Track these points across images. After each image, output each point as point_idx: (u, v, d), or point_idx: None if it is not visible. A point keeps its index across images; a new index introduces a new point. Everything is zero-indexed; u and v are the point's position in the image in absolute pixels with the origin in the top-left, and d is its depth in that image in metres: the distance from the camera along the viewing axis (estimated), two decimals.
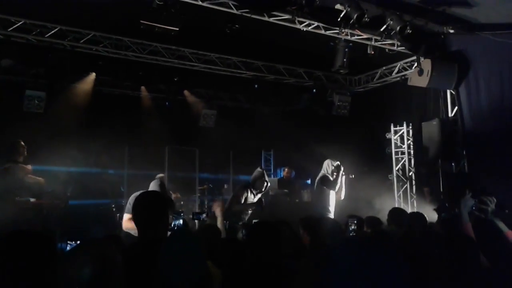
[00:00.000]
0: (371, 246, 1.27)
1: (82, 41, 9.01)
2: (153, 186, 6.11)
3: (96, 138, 9.99)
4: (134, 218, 2.83)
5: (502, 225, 3.30)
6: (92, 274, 1.75)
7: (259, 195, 7.43)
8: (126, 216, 5.67)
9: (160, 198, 2.96)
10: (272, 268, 2.85)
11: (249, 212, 7.35)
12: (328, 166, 7.96)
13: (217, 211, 4.94)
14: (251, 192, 7.24)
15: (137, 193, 6.13)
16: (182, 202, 9.94)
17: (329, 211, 7.71)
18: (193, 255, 2.09)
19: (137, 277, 2.41)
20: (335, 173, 7.88)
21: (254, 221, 5.54)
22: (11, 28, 8.34)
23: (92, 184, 10.00)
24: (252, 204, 7.30)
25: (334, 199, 7.88)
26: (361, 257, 1.20)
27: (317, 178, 8.07)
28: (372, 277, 1.16)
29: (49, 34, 8.68)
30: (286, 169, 11.46)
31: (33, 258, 2.14)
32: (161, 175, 7.37)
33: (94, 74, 10.08)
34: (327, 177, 7.87)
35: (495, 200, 3.47)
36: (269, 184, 7.71)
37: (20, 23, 8.37)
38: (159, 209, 2.81)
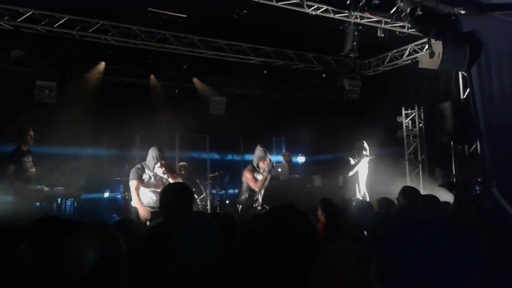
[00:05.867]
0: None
1: (90, 30, 9.02)
2: (152, 151, 6.13)
3: (107, 127, 10.06)
4: (161, 207, 2.89)
5: (506, 205, 3.33)
6: (97, 256, 1.75)
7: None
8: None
9: (187, 190, 3.03)
10: (287, 253, 2.85)
11: (262, 191, 7.40)
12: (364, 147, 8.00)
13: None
14: (258, 172, 7.28)
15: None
16: (194, 190, 9.97)
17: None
18: (208, 238, 2.11)
19: (153, 258, 2.44)
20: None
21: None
22: (20, 19, 8.37)
23: (105, 172, 10.08)
24: (268, 169, 7.30)
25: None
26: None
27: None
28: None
29: (58, 24, 8.70)
30: (286, 153, 11.41)
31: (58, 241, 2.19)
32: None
33: (103, 63, 10.10)
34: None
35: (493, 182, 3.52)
36: (273, 161, 7.68)
37: (29, 13, 8.40)
38: (186, 200, 2.87)
